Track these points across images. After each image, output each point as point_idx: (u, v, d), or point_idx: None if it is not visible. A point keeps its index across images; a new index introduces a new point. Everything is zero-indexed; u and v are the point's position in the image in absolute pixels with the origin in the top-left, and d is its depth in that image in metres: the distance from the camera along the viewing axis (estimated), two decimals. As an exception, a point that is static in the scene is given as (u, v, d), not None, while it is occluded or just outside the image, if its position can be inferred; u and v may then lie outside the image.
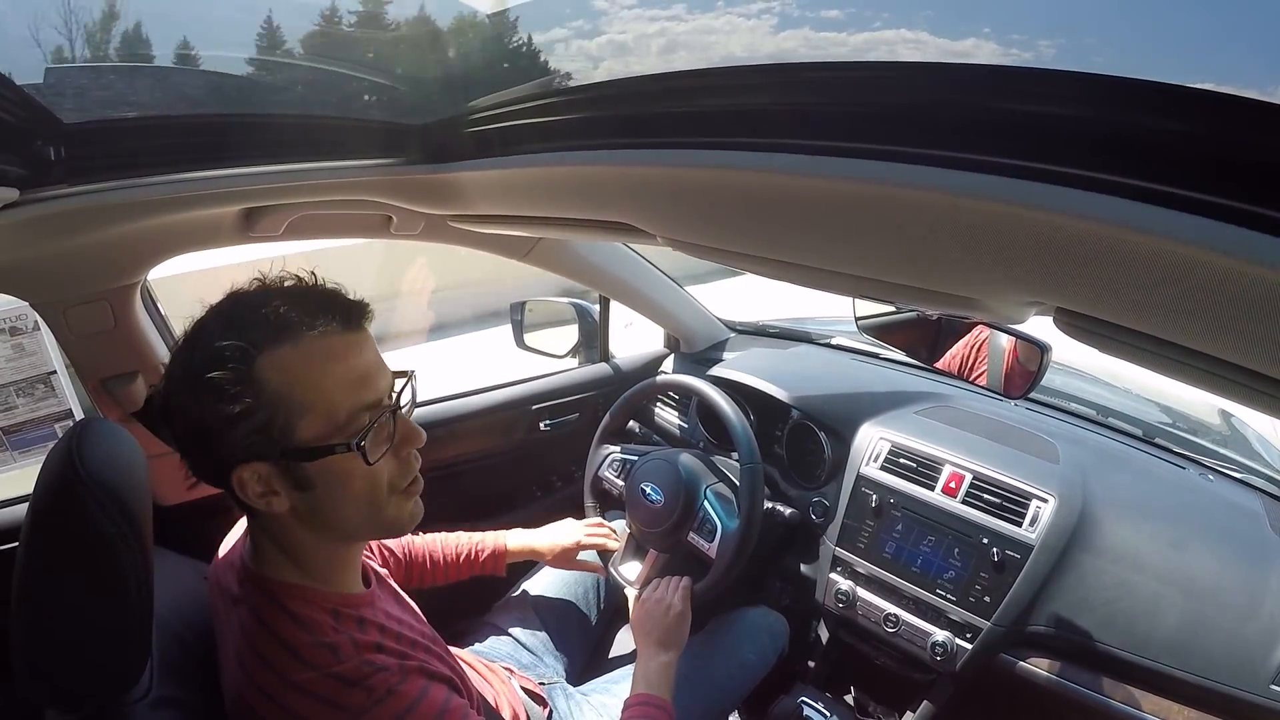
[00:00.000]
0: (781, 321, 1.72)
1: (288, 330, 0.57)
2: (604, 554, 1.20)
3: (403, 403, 0.65)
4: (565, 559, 1.15)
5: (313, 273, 0.62)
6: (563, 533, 1.15)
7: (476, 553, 1.09)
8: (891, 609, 1.11)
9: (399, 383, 0.65)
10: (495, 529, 1.14)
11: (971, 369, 1.14)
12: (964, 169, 0.33)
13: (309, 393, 0.57)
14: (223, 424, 0.55)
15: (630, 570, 1.19)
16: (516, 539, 1.13)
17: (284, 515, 0.60)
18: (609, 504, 1.27)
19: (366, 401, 0.59)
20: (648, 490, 1.16)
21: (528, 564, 1.23)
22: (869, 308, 1.21)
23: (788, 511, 1.24)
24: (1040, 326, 0.55)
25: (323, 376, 0.57)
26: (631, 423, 1.47)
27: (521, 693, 0.97)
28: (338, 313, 0.59)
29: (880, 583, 1.14)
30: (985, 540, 1.04)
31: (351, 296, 0.62)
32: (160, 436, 0.60)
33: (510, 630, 1.11)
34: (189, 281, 1.34)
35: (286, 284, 0.61)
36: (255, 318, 0.57)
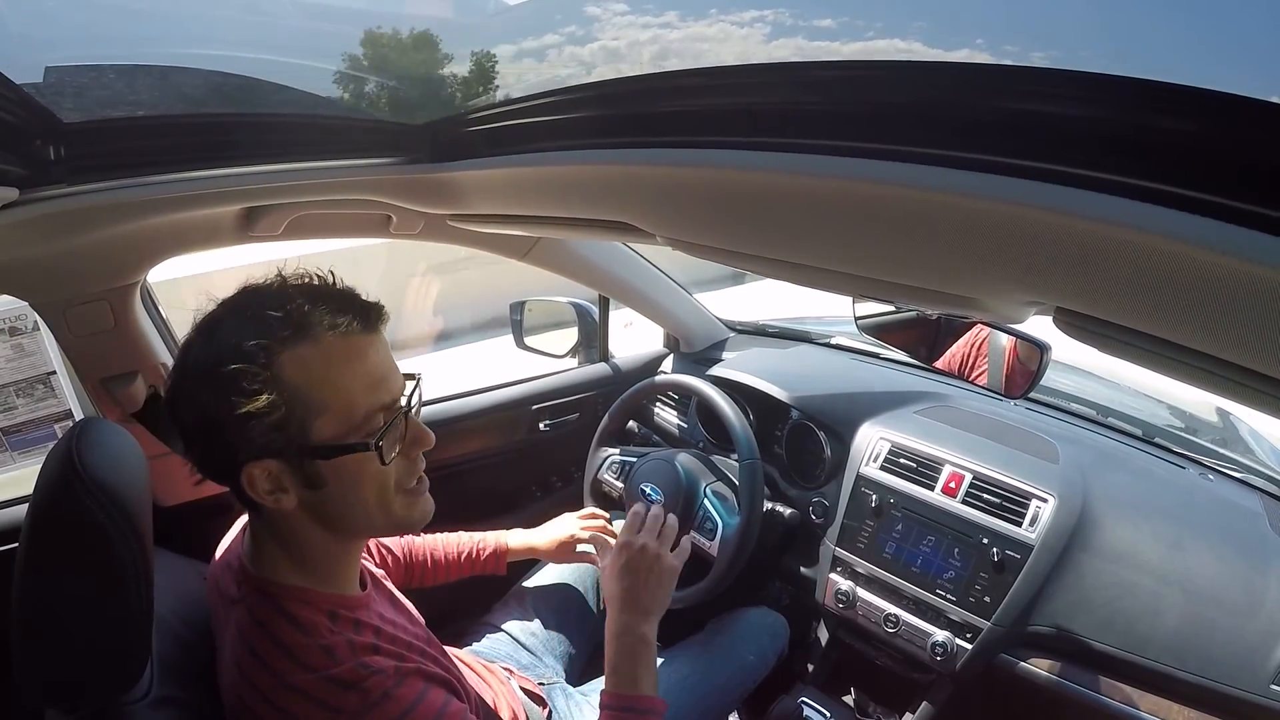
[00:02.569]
0: (781, 321, 1.72)
1: (309, 328, 0.57)
2: (602, 547, 1.20)
3: (411, 405, 0.65)
4: (564, 553, 1.14)
5: (331, 271, 0.63)
6: (559, 527, 1.15)
7: (478, 551, 1.09)
8: (891, 609, 1.11)
9: (408, 385, 0.65)
10: (495, 529, 1.14)
11: (971, 368, 1.14)
12: (965, 168, 0.33)
13: (328, 391, 0.57)
14: (238, 419, 0.55)
15: None
16: (517, 538, 1.13)
17: (291, 512, 0.60)
18: (609, 506, 1.27)
19: (382, 402, 0.60)
20: (647, 490, 1.16)
21: (528, 564, 1.23)
22: (869, 307, 1.21)
23: (787, 512, 1.24)
24: (1040, 326, 0.55)
25: (342, 376, 0.58)
26: (631, 423, 1.47)
27: (521, 693, 0.97)
28: (356, 313, 0.59)
29: (880, 583, 1.13)
30: (985, 540, 1.04)
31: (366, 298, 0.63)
32: (159, 434, 0.60)
33: (510, 630, 1.11)
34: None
35: (304, 281, 0.61)
36: (276, 314, 0.57)
